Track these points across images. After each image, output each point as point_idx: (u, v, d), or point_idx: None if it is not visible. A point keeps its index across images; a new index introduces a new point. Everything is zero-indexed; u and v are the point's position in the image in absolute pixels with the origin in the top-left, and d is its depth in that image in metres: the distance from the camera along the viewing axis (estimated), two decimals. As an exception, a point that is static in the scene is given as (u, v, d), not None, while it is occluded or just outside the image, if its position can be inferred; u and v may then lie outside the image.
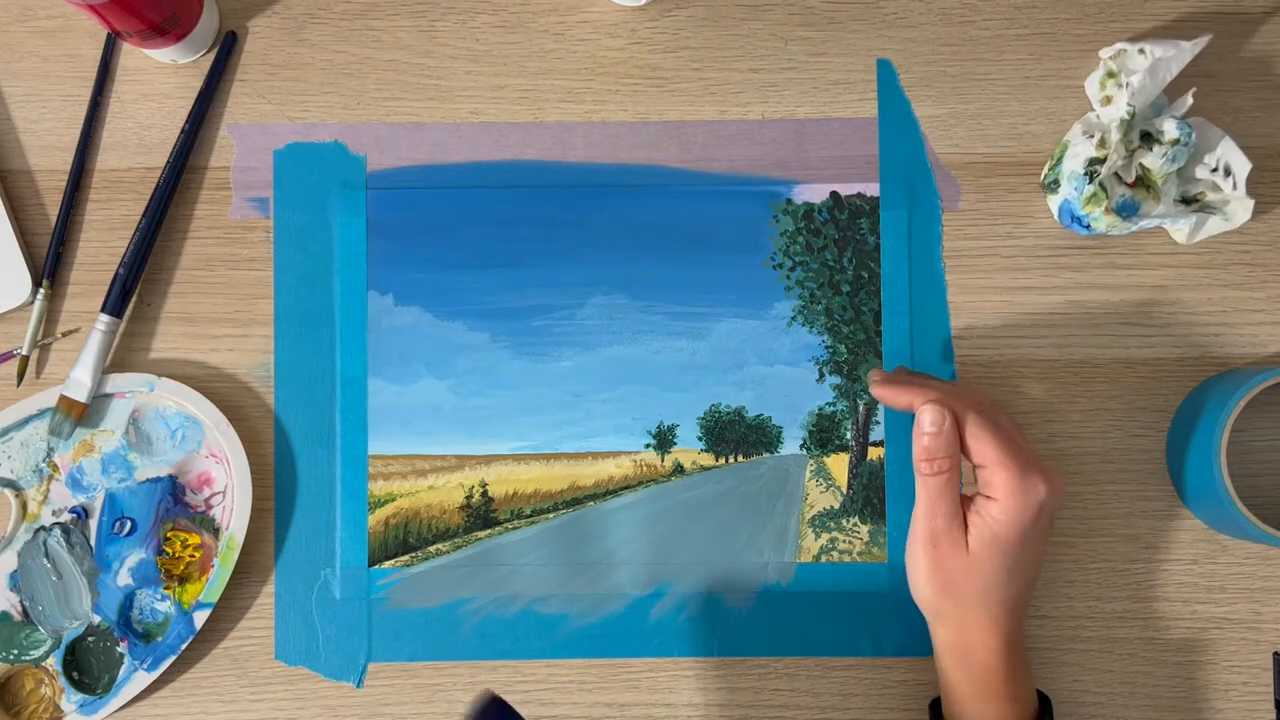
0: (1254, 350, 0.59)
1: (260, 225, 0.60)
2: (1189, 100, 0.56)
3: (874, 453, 0.59)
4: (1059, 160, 0.57)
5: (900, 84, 0.60)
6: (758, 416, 0.59)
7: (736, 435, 0.59)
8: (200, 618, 0.56)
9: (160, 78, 0.60)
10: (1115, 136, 0.54)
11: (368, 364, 0.59)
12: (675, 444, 0.59)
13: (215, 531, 0.57)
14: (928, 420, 0.49)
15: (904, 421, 0.59)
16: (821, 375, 0.59)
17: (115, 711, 0.56)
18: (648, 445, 0.59)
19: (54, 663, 0.56)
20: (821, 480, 0.59)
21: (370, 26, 0.61)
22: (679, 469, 0.59)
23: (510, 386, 0.59)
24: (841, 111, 0.60)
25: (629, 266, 0.60)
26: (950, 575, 0.50)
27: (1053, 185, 0.58)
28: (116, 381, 0.57)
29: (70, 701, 0.56)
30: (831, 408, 0.59)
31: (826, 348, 0.59)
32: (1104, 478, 0.59)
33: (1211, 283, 0.59)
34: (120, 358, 0.59)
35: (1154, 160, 0.55)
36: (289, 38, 0.60)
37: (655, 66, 0.60)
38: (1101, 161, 0.55)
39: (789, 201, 0.60)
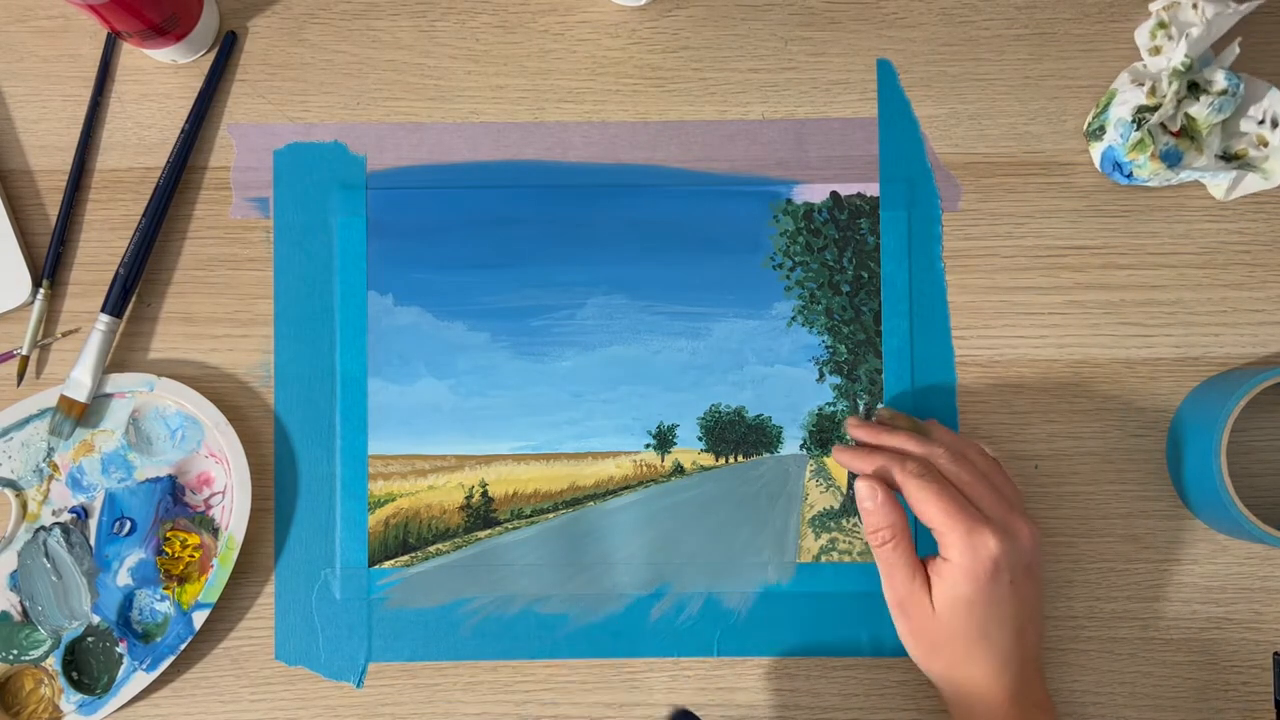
0: (1254, 350, 0.59)
1: (260, 225, 0.60)
2: (1235, 50, 0.56)
3: (874, 453, 0.59)
4: (1105, 108, 0.57)
5: (900, 84, 0.60)
6: (758, 416, 0.59)
7: (736, 435, 0.59)
8: (199, 618, 0.56)
9: (160, 78, 0.60)
10: (1170, 86, 0.54)
11: (368, 364, 0.59)
12: (675, 444, 0.59)
13: (215, 531, 0.57)
14: (861, 496, 0.52)
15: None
16: (821, 375, 0.59)
17: (115, 712, 0.56)
18: (648, 445, 0.59)
19: (53, 663, 0.56)
20: (821, 480, 0.59)
21: (370, 26, 0.61)
22: (679, 469, 0.59)
23: (510, 386, 0.59)
24: (841, 111, 0.60)
25: (629, 266, 0.60)
26: (927, 637, 0.51)
27: (1097, 132, 0.58)
28: (116, 381, 0.57)
29: (70, 702, 0.56)
30: (831, 408, 0.59)
31: (826, 348, 0.59)
32: (1104, 478, 0.59)
33: (1211, 283, 0.59)
34: (120, 358, 0.59)
35: (1200, 110, 0.55)
36: (289, 38, 0.60)
37: (655, 66, 0.60)
38: (1151, 109, 0.55)
39: (789, 201, 0.60)
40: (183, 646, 0.56)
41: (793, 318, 0.59)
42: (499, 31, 0.61)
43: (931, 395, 0.59)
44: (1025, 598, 0.51)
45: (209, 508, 0.58)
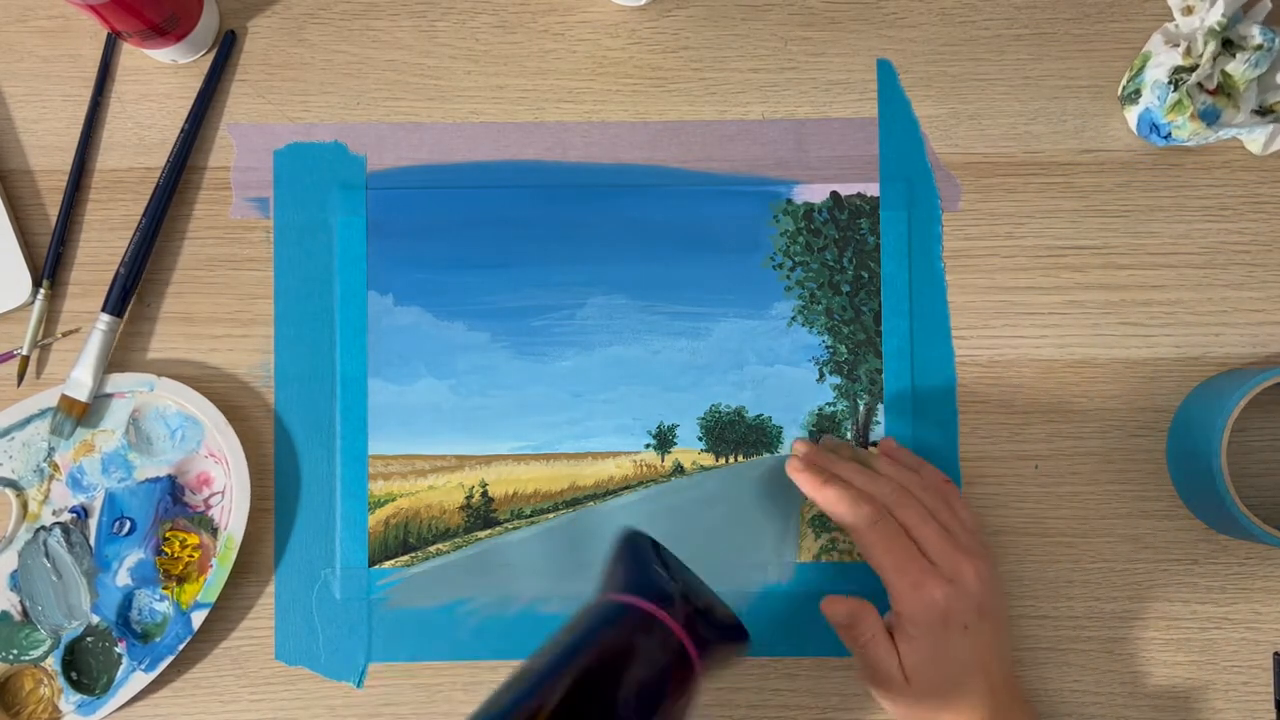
0: (1254, 350, 0.59)
1: (260, 225, 0.60)
2: (1268, 4, 0.56)
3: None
4: (1139, 71, 0.57)
5: (900, 84, 0.60)
6: (758, 416, 0.59)
7: (736, 435, 0.59)
8: (198, 618, 0.56)
9: (160, 78, 0.60)
10: (1208, 46, 0.54)
11: (368, 364, 0.59)
12: (675, 444, 0.59)
13: (214, 532, 0.57)
14: (838, 616, 0.53)
15: (905, 421, 0.59)
16: (821, 375, 0.59)
17: (114, 712, 0.56)
18: (648, 445, 0.59)
19: (53, 663, 0.56)
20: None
21: (370, 26, 0.61)
22: (679, 469, 0.59)
23: (510, 386, 0.59)
24: (841, 111, 0.60)
25: (629, 266, 0.60)
26: (904, 703, 0.51)
27: (1132, 96, 0.58)
28: (116, 381, 0.57)
29: (69, 702, 0.56)
30: (831, 408, 0.59)
31: (826, 348, 0.59)
32: (1104, 478, 0.59)
33: (1211, 283, 0.59)
34: (120, 358, 0.59)
35: (1237, 67, 0.55)
36: (289, 38, 0.60)
37: (655, 66, 0.60)
38: (1188, 70, 0.55)
39: (789, 201, 0.60)
40: (181, 646, 0.56)
41: (793, 318, 0.59)
42: (499, 31, 0.61)
43: (931, 395, 0.59)
44: (982, 639, 0.51)
45: (208, 508, 0.58)
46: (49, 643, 0.56)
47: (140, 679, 0.56)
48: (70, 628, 0.56)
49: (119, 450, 0.57)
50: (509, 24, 0.61)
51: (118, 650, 0.56)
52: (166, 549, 0.57)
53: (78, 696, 0.56)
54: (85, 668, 0.57)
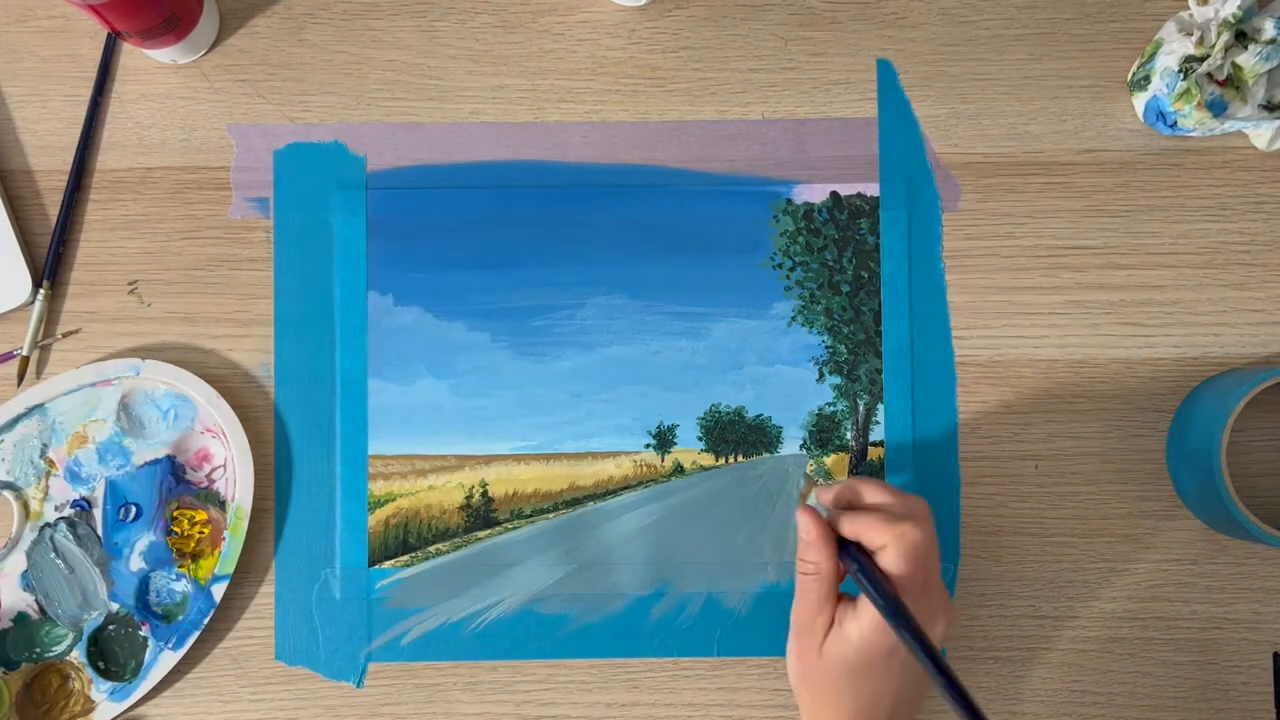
0: (1254, 350, 0.59)
1: (260, 225, 0.60)
2: None
3: (874, 453, 0.59)
4: (1150, 57, 0.58)
5: (900, 84, 0.60)
6: (758, 416, 0.59)
7: (736, 435, 0.59)
8: (219, 590, 0.56)
9: (160, 78, 0.60)
10: (1221, 37, 0.54)
11: (368, 364, 0.59)
12: (675, 444, 0.59)
13: (221, 505, 0.58)
14: (801, 526, 0.50)
15: (905, 422, 0.59)
16: (821, 375, 0.59)
17: (138, 702, 0.56)
18: (648, 445, 0.59)
19: (78, 655, 0.56)
20: (821, 480, 0.59)
21: (370, 26, 0.61)
22: (679, 469, 0.59)
23: (510, 386, 0.59)
24: (841, 111, 0.60)
25: (629, 266, 0.60)
26: (806, 668, 0.50)
27: (1141, 82, 0.58)
28: (102, 369, 0.57)
29: (100, 691, 0.56)
30: (831, 408, 0.59)
31: (826, 348, 0.59)
32: (1104, 478, 0.59)
33: (1211, 283, 0.59)
34: (120, 357, 0.59)
35: (1248, 59, 0.55)
36: (289, 38, 0.61)
37: (655, 66, 0.60)
38: (1199, 59, 0.55)
39: (789, 201, 0.60)
40: (206, 621, 0.56)
41: (793, 318, 0.59)
42: (499, 31, 0.61)
43: (931, 395, 0.59)
44: (911, 680, 0.49)
45: (211, 482, 0.58)
46: (70, 636, 0.57)
47: (170, 658, 0.56)
48: (89, 618, 0.56)
49: (113, 438, 0.57)
50: (509, 24, 0.61)
51: (142, 633, 0.57)
52: (176, 528, 0.57)
53: (108, 684, 0.56)
54: (112, 655, 0.57)
